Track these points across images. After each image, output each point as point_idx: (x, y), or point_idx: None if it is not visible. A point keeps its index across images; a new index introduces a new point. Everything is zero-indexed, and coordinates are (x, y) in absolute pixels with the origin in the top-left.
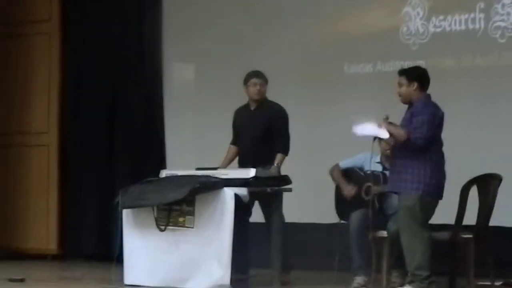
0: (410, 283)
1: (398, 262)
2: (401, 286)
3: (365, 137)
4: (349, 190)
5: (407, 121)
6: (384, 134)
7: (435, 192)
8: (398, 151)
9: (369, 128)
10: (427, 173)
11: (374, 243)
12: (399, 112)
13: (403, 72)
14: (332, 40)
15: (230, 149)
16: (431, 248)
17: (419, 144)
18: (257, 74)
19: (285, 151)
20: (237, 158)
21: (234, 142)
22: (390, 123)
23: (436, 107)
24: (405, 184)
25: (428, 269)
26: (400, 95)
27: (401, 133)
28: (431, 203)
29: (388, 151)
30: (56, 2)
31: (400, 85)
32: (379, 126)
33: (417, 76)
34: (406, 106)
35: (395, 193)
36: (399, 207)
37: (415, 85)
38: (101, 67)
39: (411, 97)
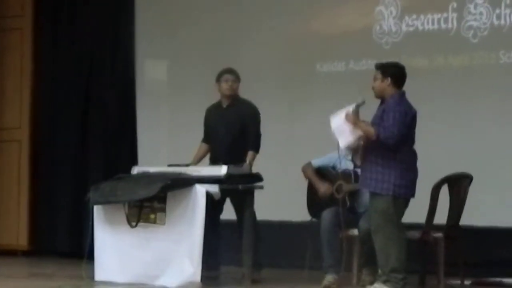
0: (385, 282)
1: (369, 260)
2: (371, 284)
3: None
4: (325, 189)
5: (379, 118)
6: (345, 140)
7: (407, 192)
8: (369, 149)
9: (338, 127)
10: (398, 173)
11: (345, 242)
12: (372, 110)
13: (379, 67)
14: (305, 39)
15: (201, 147)
16: (406, 249)
17: (390, 143)
18: (229, 70)
19: (256, 149)
20: (208, 156)
21: (205, 139)
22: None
23: (408, 106)
24: (375, 184)
25: (402, 271)
26: (373, 89)
27: (371, 132)
28: (403, 204)
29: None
30: None
31: (375, 79)
32: (350, 121)
33: (392, 72)
34: (379, 102)
35: (372, 191)
36: (371, 207)
37: (389, 80)
38: (74, 62)
39: (384, 92)
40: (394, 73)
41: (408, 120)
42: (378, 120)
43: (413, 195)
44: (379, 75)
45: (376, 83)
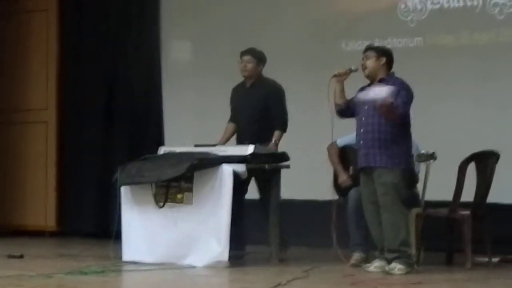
0: (396, 259)
1: (361, 238)
2: (363, 263)
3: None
4: (344, 180)
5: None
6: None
7: (412, 166)
8: (372, 125)
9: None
10: (405, 148)
11: None
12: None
13: (370, 48)
14: (330, 18)
15: (228, 127)
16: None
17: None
18: (246, 51)
19: (283, 127)
20: (235, 136)
21: (232, 119)
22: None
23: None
24: (386, 159)
25: (410, 245)
26: (365, 68)
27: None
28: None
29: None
30: None
31: (367, 57)
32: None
33: (387, 52)
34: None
35: (382, 166)
36: (379, 183)
37: (384, 60)
38: (100, 44)
39: (377, 72)
40: (389, 54)
41: (412, 99)
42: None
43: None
44: (373, 54)
45: (369, 61)
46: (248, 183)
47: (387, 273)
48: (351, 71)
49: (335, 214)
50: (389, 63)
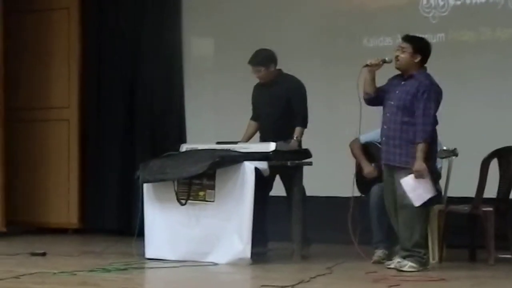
0: (408, 257)
1: (384, 235)
2: (385, 260)
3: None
4: (370, 171)
5: (408, 94)
6: (421, 199)
7: (433, 164)
8: (394, 123)
9: (411, 187)
10: (432, 150)
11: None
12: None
13: (409, 39)
14: (352, 14)
15: (250, 125)
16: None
17: (431, 134)
18: (250, 62)
19: (304, 124)
20: (257, 134)
21: (254, 117)
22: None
23: (437, 84)
24: (405, 159)
25: (424, 246)
26: (398, 60)
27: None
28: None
29: None
30: None
31: (402, 49)
32: (422, 177)
33: (424, 50)
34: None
35: (401, 166)
36: (398, 182)
37: (419, 58)
38: (121, 41)
39: (410, 67)
40: (425, 51)
41: (440, 99)
42: (405, 95)
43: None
44: (410, 49)
45: (404, 55)
46: (273, 179)
47: (398, 269)
48: (384, 61)
49: (351, 211)
50: (424, 61)
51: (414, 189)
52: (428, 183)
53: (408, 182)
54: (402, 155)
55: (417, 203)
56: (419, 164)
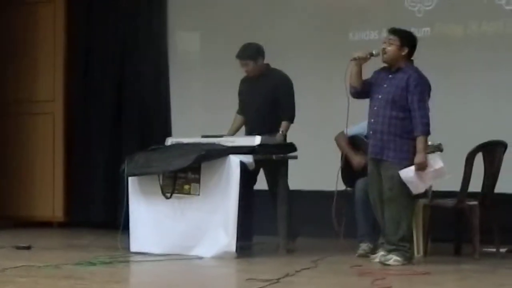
0: (393, 251)
1: (369, 229)
2: (370, 254)
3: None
4: (358, 161)
5: (397, 88)
6: (418, 189)
7: None
8: (383, 118)
9: (410, 179)
10: (412, 142)
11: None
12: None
13: (396, 32)
14: (337, 8)
15: (236, 118)
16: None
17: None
18: (238, 55)
19: (290, 118)
20: (243, 127)
21: (240, 111)
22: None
23: (426, 77)
24: (393, 154)
25: (409, 240)
26: (386, 53)
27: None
28: None
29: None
30: None
31: (389, 42)
32: (422, 169)
33: (411, 43)
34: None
35: (389, 160)
36: (386, 176)
37: (406, 51)
38: (107, 35)
39: (397, 60)
40: (412, 44)
41: (430, 91)
42: (394, 89)
43: None
44: (397, 42)
45: (391, 47)
46: (257, 173)
47: (383, 263)
48: (371, 55)
49: (335, 204)
50: (410, 54)
51: (413, 180)
52: (427, 175)
53: (407, 174)
54: (390, 149)
55: (415, 192)
56: (421, 157)
